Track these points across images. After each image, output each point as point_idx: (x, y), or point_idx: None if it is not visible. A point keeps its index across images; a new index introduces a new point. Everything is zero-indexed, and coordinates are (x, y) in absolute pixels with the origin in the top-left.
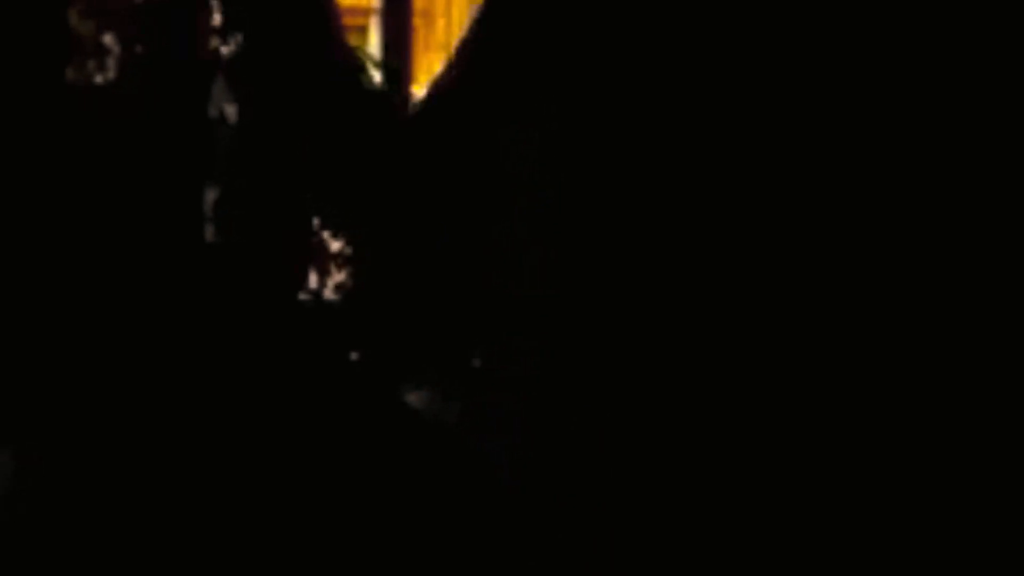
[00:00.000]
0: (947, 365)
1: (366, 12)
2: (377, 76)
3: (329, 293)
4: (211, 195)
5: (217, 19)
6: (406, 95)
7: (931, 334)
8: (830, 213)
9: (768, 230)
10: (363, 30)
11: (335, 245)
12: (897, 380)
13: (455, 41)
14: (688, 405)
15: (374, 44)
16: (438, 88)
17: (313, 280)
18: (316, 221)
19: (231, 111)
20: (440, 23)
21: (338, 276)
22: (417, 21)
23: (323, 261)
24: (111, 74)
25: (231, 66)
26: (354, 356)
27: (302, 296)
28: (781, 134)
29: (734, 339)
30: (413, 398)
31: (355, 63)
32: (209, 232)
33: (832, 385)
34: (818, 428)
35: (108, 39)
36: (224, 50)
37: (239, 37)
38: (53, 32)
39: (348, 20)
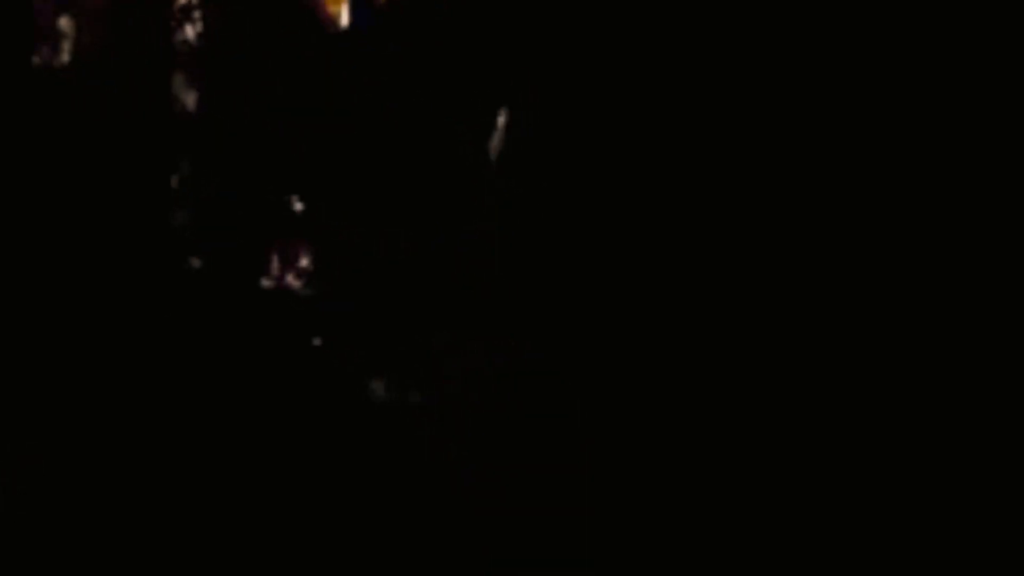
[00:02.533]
0: (946, 364)
1: None
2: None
3: (292, 279)
4: (175, 180)
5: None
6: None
7: (925, 333)
8: (791, 203)
9: (755, 226)
10: None
11: (299, 230)
12: (895, 378)
13: None
14: (653, 400)
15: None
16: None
17: (276, 266)
18: (280, 204)
19: (190, 98)
20: None
21: (302, 262)
22: None
23: (287, 246)
24: (67, 59)
25: (193, 50)
26: (316, 343)
27: (265, 282)
28: (763, 129)
29: (711, 334)
30: (375, 386)
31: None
32: (175, 218)
33: (804, 384)
34: (788, 426)
35: (65, 23)
36: (187, 32)
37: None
38: (15, 17)
39: None
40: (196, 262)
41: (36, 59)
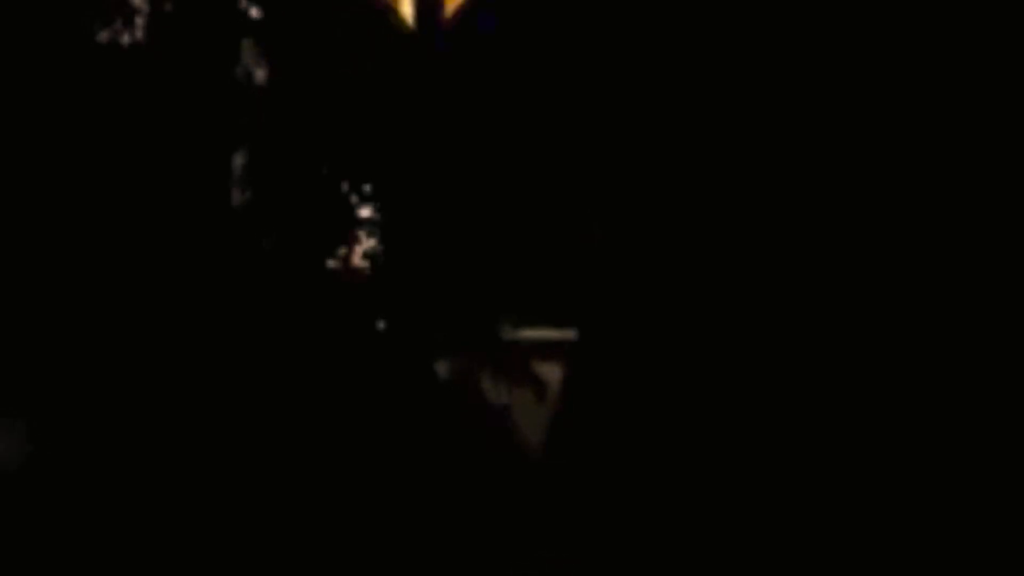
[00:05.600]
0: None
1: None
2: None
3: (358, 259)
4: (239, 159)
5: None
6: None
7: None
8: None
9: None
10: None
11: (364, 211)
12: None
13: None
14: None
15: None
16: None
17: (342, 246)
18: (345, 185)
19: (259, 72)
20: None
21: (367, 242)
22: None
23: (352, 227)
24: (140, 34)
25: (259, 25)
26: (381, 324)
27: (330, 263)
28: (764, 130)
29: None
30: (441, 367)
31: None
32: (236, 197)
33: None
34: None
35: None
36: (252, 9)
37: None
38: None
39: None
40: (262, 242)
41: (107, 35)
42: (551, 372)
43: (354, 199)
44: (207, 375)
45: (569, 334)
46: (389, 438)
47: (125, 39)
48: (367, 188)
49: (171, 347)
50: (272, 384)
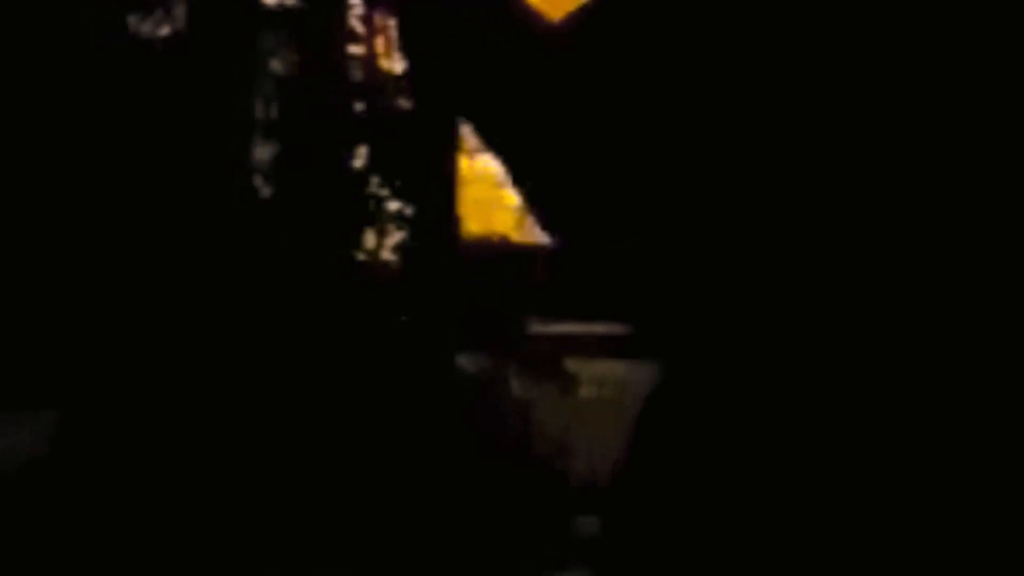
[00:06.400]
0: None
1: None
2: None
3: (387, 253)
4: (267, 151)
5: None
6: None
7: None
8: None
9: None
10: None
11: (393, 205)
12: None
13: None
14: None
15: None
16: None
17: (371, 240)
18: (373, 179)
19: (280, 65)
20: None
21: (396, 236)
22: None
23: (381, 220)
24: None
25: (282, 17)
26: (407, 317)
27: (359, 256)
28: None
29: None
30: (466, 361)
31: None
32: (264, 189)
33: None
34: None
35: None
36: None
37: None
38: None
39: None
40: (290, 234)
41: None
42: (578, 366)
43: (384, 193)
44: (233, 364)
45: (596, 328)
46: (410, 432)
47: (154, 31)
48: (397, 182)
49: (197, 337)
50: (297, 376)
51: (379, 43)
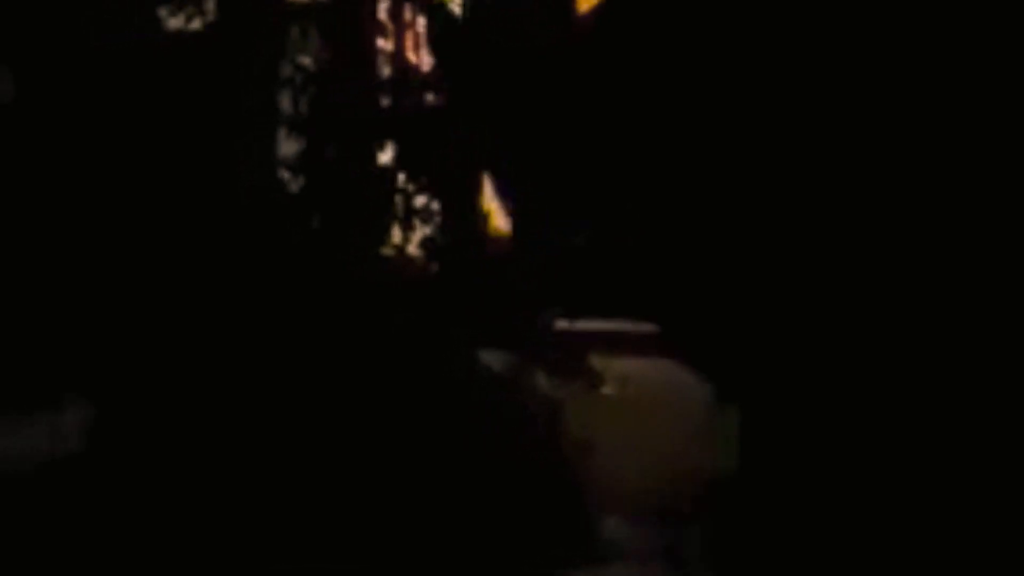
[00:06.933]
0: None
1: None
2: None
3: (413, 248)
4: (293, 145)
5: None
6: None
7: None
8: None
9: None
10: None
11: (419, 200)
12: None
13: None
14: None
15: None
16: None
17: (397, 235)
18: (400, 174)
19: (308, 61)
20: None
21: (422, 230)
22: None
23: (408, 215)
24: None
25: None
26: (433, 314)
27: (385, 250)
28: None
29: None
30: (491, 358)
31: None
32: (291, 183)
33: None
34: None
35: None
36: None
37: None
38: None
39: None
40: (316, 230)
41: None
42: (603, 363)
43: (411, 188)
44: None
45: (620, 325)
46: (434, 429)
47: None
48: (423, 178)
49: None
50: (320, 371)
51: (407, 38)
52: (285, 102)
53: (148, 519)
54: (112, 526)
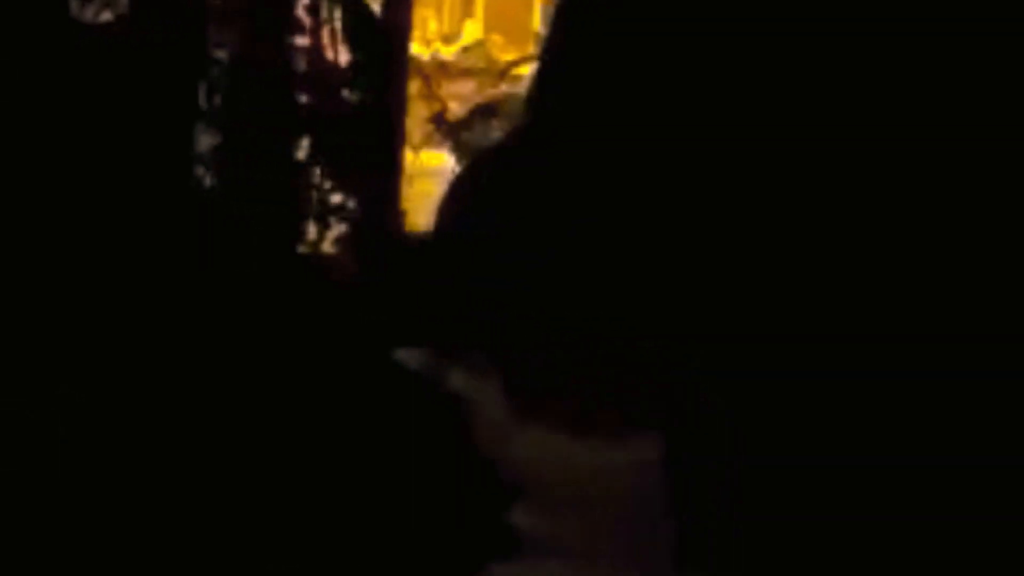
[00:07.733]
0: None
1: None
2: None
3: (328, 246)
4: (208, 141)
5: None
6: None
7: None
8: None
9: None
10: None
11: (336, 197)
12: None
13: None
14: None
15: None
16: None
17: (312, 232)
18: (316, 171)
19: (224, 53)
20: None
21: (338, 228)
22: None
23: (323, 213)
24: (121, 12)
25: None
26: (350, 312)
27: (300, 248)
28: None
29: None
30: (406, 356)
31: None
32: (206, 179)
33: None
34: None
35: None
36: None
37: None
38: None
39: None
40: (230, 225)
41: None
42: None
43: (327, 185)
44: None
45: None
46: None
47: (95, 16)
48: (340, 175)
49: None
50: (233, 369)
51: (324, 34)
52: (202, 97)
53: (122, 515)
54: (100, 520)
